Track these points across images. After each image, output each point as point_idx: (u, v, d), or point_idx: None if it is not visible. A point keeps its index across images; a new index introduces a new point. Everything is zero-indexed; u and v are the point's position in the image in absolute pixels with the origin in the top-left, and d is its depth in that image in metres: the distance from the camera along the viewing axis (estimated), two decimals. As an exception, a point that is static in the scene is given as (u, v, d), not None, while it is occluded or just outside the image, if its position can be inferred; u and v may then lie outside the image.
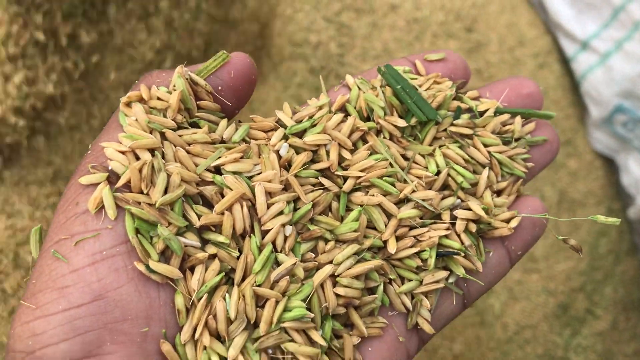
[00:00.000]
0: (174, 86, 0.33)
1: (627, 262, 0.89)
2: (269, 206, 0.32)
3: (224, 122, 0.34)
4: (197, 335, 0.29)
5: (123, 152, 0.30)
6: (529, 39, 0.90)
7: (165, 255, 0.30)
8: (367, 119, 0.37)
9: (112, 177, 0.30)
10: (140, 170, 0.30)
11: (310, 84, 0.78)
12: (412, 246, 0.34)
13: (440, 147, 0.38)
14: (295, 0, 0.80)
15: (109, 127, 0.32)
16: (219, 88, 0.34)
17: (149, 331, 0.28)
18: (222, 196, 0.31)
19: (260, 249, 0.31)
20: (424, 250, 0.34)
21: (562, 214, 0.86)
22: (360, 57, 0.81)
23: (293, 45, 0.79)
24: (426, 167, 0.37)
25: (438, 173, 0.36)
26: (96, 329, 0.27)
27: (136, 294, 0.28)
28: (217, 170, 0.32)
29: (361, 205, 0.34)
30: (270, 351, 0.30)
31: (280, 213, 0.32)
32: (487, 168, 0.38)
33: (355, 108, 0.37)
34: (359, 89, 0.38)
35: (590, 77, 0.86)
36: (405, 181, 0.36)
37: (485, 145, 0.39)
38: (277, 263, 0.31)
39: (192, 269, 0.30)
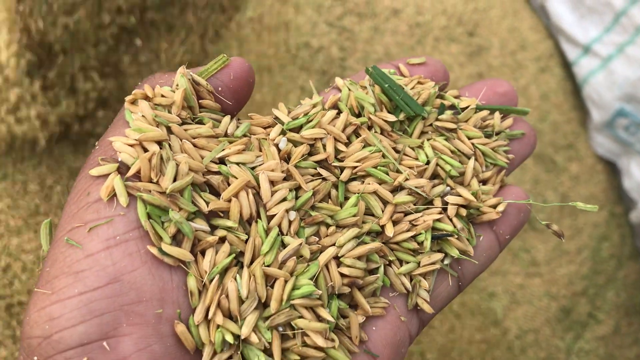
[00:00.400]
0: (177, 85, 0.35)
1: (630, 266, 0.89)
2: (272, 194, 0.33)
3: (226, 118, 0.35)
4: (210, 316, 0.29)
5: (131, 145, 0.32)
6: (531, 43, 0.91)
7: (176, 240, 0.30)
8: (358, 115, 0.40)
9: (122, 168, 0.31)
10: (149, 160, 0.31)
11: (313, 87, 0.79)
12: (408, 230, 0.36)
13: (427, 139, 0.40)
14: (298, 4, 0.80)
15: (115, 124, 0.34)
16: (219, 89, 0.36)
17: (163, 313, 0.29)
18: (229, 184, 0.33)
19: (267, 232, 0.32)
20: (420, 234, 0.36)
21: (564, 218, 0.86)
22: (362, 61, 0.81)
23: (295, 49, 0.79)
24: (416, 158, 0.39)
25: (427, 163, 0.39)
26: (112, 311, 0.28)
27: (150, 277, 0.29)
28: (222, 162, 0.34)
29: (358, 193, 0.36)
30: (280, 328, 0.31)
31: (284, 199, 0.34)
32: (473, 158, 0.40)
33: (346, 106, 0.40)
34: (349, 89, 0.40)
35: (592, 81, 0.86)
36: (398, 171, 0.38)
37: (469, 138, 0.41)
38: (284, 245, 0.33)
39: (202, 253, 0.31)
